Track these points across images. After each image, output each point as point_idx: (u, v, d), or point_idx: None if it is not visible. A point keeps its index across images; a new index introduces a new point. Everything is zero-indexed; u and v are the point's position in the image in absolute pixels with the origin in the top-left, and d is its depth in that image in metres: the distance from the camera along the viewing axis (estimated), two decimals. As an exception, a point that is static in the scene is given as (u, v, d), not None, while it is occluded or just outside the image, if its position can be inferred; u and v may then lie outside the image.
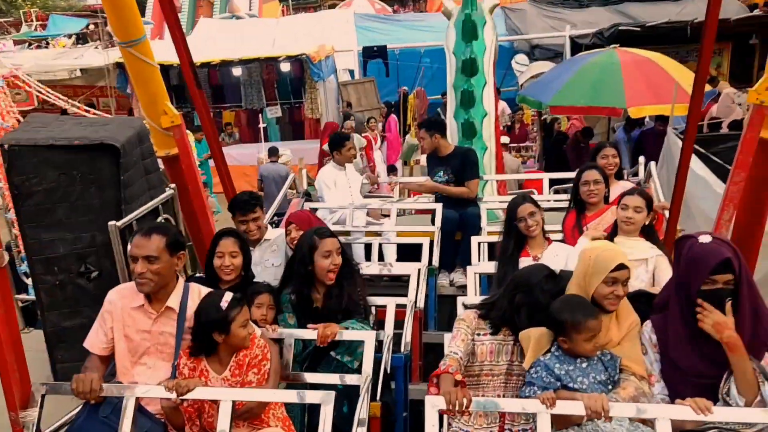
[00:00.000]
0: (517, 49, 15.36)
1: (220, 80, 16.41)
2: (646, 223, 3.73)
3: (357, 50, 15.90)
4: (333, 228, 4.46)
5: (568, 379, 2.62)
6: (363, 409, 2.94)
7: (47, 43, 18.65)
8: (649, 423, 2.47)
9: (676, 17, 12.93)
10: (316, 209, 5.94)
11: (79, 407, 2.78)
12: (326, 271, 3.44)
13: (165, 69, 10.82)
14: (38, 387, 2.66)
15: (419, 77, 15.33)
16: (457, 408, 2.45)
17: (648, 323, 2.76)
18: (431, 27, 15.88)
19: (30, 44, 19.08)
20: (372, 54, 15.50)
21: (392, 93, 15.25)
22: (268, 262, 4.25)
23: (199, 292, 3.03)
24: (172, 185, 4.45)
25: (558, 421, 2.47)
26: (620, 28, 12.79)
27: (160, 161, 4.59)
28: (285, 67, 14.97)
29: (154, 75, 3.98)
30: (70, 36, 19.28)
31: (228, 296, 2.84)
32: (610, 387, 2.62)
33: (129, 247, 3.01)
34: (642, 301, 3.00)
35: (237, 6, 20.46)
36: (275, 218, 6.27)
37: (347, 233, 5.51)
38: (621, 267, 2.72)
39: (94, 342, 2.99)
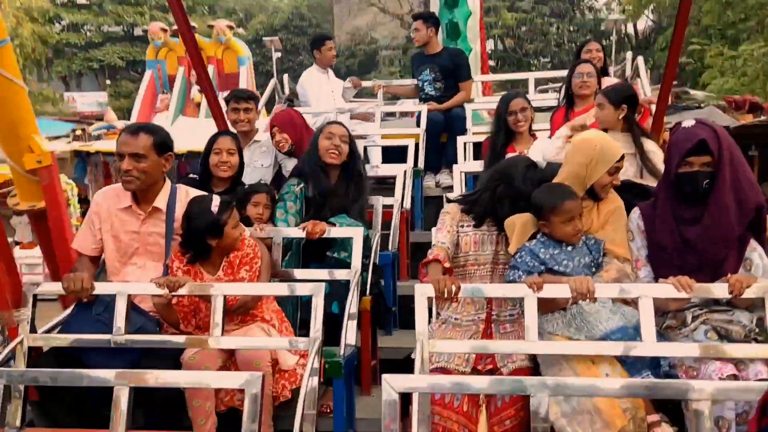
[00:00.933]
0: None
1: (190, 172, 15.41)
2: (620, 117, 3.65)
3: None
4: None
5: (553, 263, 2.66)
6: (353, 303, 3.00)
7: None
8: (633, 304, 2.54)
9: None
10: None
11: (71, 308, 2.82)
12: (326, 150, 3.61)
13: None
14: (29, 287, 2.66)
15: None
16: (445, 295, 2.50)
17: (636, 210, 2.79)
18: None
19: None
20: None
21: None
22: (257, 163, 4.25)
23: (186, 193, 3.00)
24: (22, 238, 3.64)
25: (544, 304, 2.53)
26: None
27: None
28: None
29: (16, 96, 3.06)
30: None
31: (217, 200, 2.83)
32: (594, 270, 2.67)
33: (116, 145, 2.92)
34: (629, 191, 3.03)
35: None
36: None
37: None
38: (623, 157, 2.82)
39: (83, 243, 2.99)
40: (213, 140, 3.65)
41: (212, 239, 2.79)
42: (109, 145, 9.38)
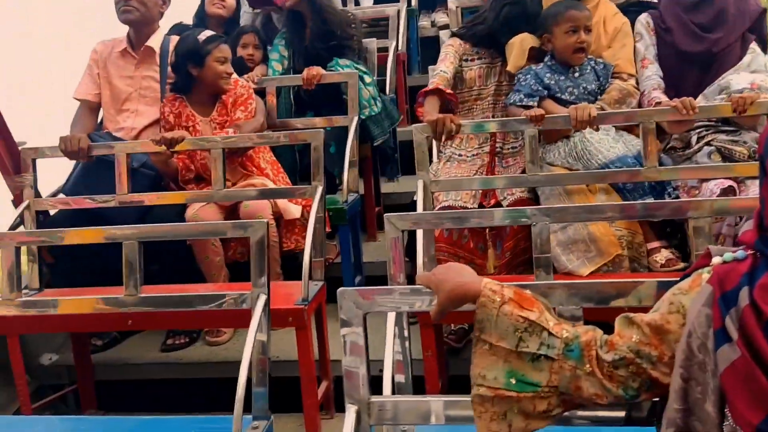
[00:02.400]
0: None
1: None
2: None
3: None
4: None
5: (556, 89, 2.60)
6: (352, 151, 2.97)
7: None
8: (636, 130, 2.51)
9: None
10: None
11: (73, 168, 2.82)
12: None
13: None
14: (27, 152, 2.65)
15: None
16: (444, 136, 2.47)
17: (645, 14, 2.73)
18: None
19: None
20: None
21: None
22: (246, 7, 4.09)
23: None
24: None
25: (546, 134, 2.51)
26: None
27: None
28: None
29: None
30: None
31: (207, 32, 2.83)
32: (600, 97, 2.61)
33: None
34: (632, 11, 2.89)
35: None
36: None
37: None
38: None
39: (83, 90, 3.02)
40: None
41: (194, 68, 2.77)
42: None
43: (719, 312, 0.91)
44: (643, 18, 2.73)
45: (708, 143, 2.46)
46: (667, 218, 2.24)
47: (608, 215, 2.01)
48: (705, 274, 0.99)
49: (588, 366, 1.02)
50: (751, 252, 0.95)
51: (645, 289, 1.18)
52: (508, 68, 2.70)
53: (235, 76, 2.94)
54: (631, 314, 1.03)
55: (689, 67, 2.63)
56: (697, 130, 2.50)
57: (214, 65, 2.77)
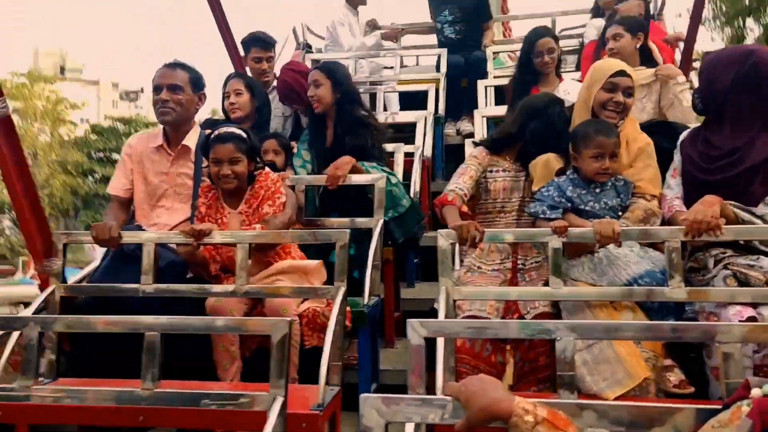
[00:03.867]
0: None
1: None
2: (637, 46, 3.62)
3: None
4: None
5: (579, 202, 2.63)
6: (376, 253, 2.99)
7: None
8: (659, 245, 2.52)
9: None
10: (317, 60, 5.77)
11: (101, 256, 2.86)
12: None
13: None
14: (59, 236, 2.70)
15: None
16: (469, 241, 2.48)
17: (692, 128, 2.79)
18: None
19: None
20: None
21: None
22: (277, 111, 4.23)
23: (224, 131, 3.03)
24: None
25: (570, 249, 2.51)
26: None
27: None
28: None
29: None
30: None
31: (225, 128, 2.87)
32: (620, 213, 2.64)
33: (153, 80, 3.02)
34: (654, 131, 2.97)
35: None
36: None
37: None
38: (621, 73, 2.75)
39: (116, 185, 3.10)
40: (225, 82, 3.74)
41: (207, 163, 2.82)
42: None
43: None
44: (684, 132, 2.79)
45: (725, 266, 2.43)
46: (695, 341, 2.20)
47: (637, 334, 1.97)
48: (744, 407, 0.96)
49: None
50: None
51: (682, 418, 1.15)
52: (533, 187, 2.75)
53: (267, 168, 3.00)
54: None
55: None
56: (714, 253, 2.48)
57: (210, 165, 2.83)
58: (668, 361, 2.34)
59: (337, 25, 5.97)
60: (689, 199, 2.57)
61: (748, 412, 0.94)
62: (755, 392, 0.97)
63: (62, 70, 27.10)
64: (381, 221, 3.15)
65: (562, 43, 5.98)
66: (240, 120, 3.60)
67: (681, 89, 3.49)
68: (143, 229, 2.84)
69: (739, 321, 2.16)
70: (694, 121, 3.30)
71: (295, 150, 3.65)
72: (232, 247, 2.72)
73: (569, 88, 3.84)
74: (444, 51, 5.51)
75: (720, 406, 1.03)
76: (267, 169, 3.01)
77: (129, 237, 2.69)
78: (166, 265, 2.68)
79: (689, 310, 2.44)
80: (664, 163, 2.78)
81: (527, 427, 1.04)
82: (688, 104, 3.41)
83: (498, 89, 5.05)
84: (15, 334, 2.34)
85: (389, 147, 3.93)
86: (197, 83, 3.03)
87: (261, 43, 4.31)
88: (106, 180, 27.28)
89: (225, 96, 3.66)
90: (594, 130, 2.62)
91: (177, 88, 2.95)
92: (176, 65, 3.01)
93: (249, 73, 4.28)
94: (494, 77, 5.32)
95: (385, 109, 5.30)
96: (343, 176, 3.27)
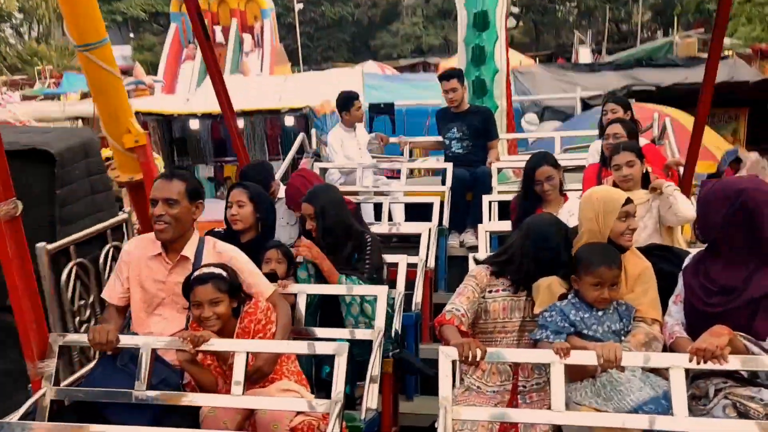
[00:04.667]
0: (527, 111, 14.95)
1: (222, 134, 16.11)
2: (643, 171, 3.75)
3: (364, 106, 15.56)
4: (343, 189, 4.47)
5: (582, 326, 2.62)
6: (375, 366, 2.95)
7: (58, 100, 18.26)
8: (662, 371, 2.48)
9: (687, 81, 12.24)
10: (325, 169, 5.93)
11: (96, 360, 2.83)
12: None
13: (168, 120, 10.65)
14: (55, 338, 2.68)
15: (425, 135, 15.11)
16: (470, 360, 2.45)
17: (695, 253, 2.80)
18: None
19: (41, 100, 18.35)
20: (379, 110, 15.08)
21: (397, 151, 15.00)
22: (283, 221, 4.29)
23: (214, 244, 3.05)
24: (127, 209, 4.01)
25: (572, 372, 2.48)
26: (634, 89, 12.03)
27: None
28: (289, 120, 14.58)
29: (116, 86, 3.53)
30: (85, 95, 18.89)
31: (205, 269, 2.79)
32: (623, 338, 2.63)
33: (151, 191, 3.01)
34: (655, 254, 3.00)
35: (248, 68, 20.11)
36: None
37: (356, 193, 5.50)
38: (629, 201, 2.85)
39: (111, 292, 3.03)
40: (227, 193, 3.74)
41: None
42: (142, 104, 9.69)
43: None
44: (688, 257, 2.80)
45: (726, 396, 2.41)
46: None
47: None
48: None
49: None
50: None
51: None
52: (535, 311, 2.75)
53: (266, 288, 3.01)
54: None
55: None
56: (716, 382, 2.46)
57: (192, 308, 2.77)
58: None
59: (330, 150, 6.19)
60: (692, 328, 2.57)
61: None
62: None
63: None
64: (381, 333, 3.12)
65: (569, 158, 6.21)
66: (241, 231, 3.62)
67: (672, 190, 3.61)
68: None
69: None
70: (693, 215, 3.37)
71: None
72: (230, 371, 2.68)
73: (573, 209, 3.90)
74: (450, 165, 5.65)
75: None
76: (265, 292, 3.00)
77: (126, 341, 2.66)
78: (158, 382, 2.63)
79: None
80: (664, 287, 2.79)
81: None
82: (683, 199, 3.57)
83: (502, 204, 5.13)
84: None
85: (392, 258, 3.94)
86: (194, 193, 2.98)
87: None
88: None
89: (227, 206, 3.65)
90: (597, 260, 2.64)
91: (172, 201, 2.89)
92: (173, 176, 2.98)
93: None
94: (498, 192, 5.42)
95: (390, 219, 5.38)
96: (308, 246, 3.42)
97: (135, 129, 3.63)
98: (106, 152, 5.03)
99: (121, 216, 3.84)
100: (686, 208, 3.55)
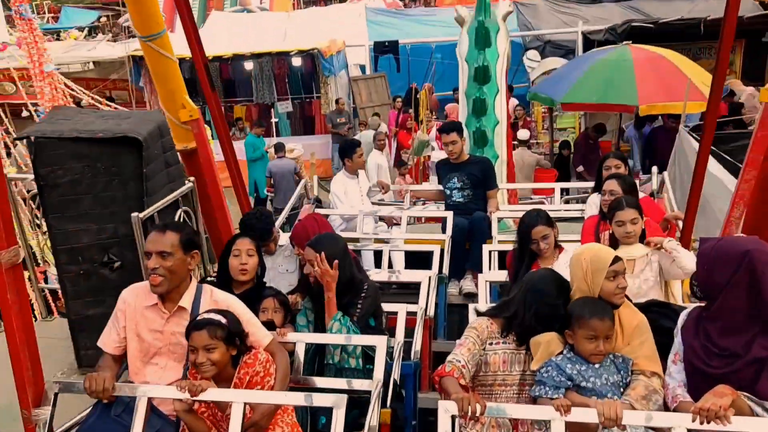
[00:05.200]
0: (529, 46, 15.23)
1: (231, 75, 16.30)
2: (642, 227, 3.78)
3: (368, 45, 15.82)
4: (344, 235, 4.48)
5: (580, 379, 2.61)
6: (374, 416, 2.91)
7: (58, 36, 18.56)
8: (666, 429, 2.45)
9: (689, 14, 12.59)
10: (327, 216, 5.95)
11: (91, 407, 2.79)
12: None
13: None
14: (51, 385, 2.66)
15: (430, 73, 15.25)
16: (470, 414, 2.43)
17: (691, 310, 2.77)
18: (442, 22, 15.73)
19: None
20: (383, 49, 15.48)
21: (403, 89, 15.19)
22: (282, 268, 4.28)
23: (211, 293, 3.03)
24: (191, 178, 4.52)
25: (572, 428, 2.45)
26: (633, 24, 12.52)
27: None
28: (296, 61, 14.96)
29: (174, 69, 4.16)
30: (81, 29, 19.21)
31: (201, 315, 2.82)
32: (622, 390, 2.62)
33: (145, 244, 3.02)
34: (654, 311, 3.00)
35: (248, 0, 20.43)
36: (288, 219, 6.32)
37: (356, 240, 5.51)
38: (617, 259, 2.86)
39: (107, 341, 3.00)
40: (231, 242, 3.67)
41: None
42: None
43: None
44: (684, 314, 2.77)
45: None
46: None
47: None
48: None
49: None
50: None
51: None
52: (532, 367, 2.75)
53: (264, 337, 3.00)
54: None
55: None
56: None
57: (189, 353, 2.78)
58: None
59: (333, 197, 6.22)
60: (694, 387, 2.54)
61: None
62: None
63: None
64: (380, 385, 3.10)
65: (567, 209, 6.24)
66: (245, 282, 3.59)
67: (675, 245, 3.61)
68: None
69: None
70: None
71: (299, 307, 3.66)
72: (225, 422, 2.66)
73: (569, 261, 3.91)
74: (450, 214, 5.69)
75: None
76: (262, 340, 2.98)
77: (123, 389, 2.64)
78: None
79: None
80: (664, 343, 2.78)
81: None
82: (686, 253, 3.56)
83: (501, 254, 5.14)
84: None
85: (391, 307, 3.93)
86: (188, 243, 2.96)
87: (260, 234, 4.14)
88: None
89: (234, 254, 3.60)
90: (588, 313, 2.66)
91: (166, 254, 2.87)
92: (166, 228, 2.97)
93: None
94: (499, 242, 5.43)
95: (390, 267, 5.38)
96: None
97: (190, 105, 4.34)
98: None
99: (188, 185, 4.48)
100: (690, 261, 3.52)
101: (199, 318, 2.77)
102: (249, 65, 15.12)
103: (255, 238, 3.69)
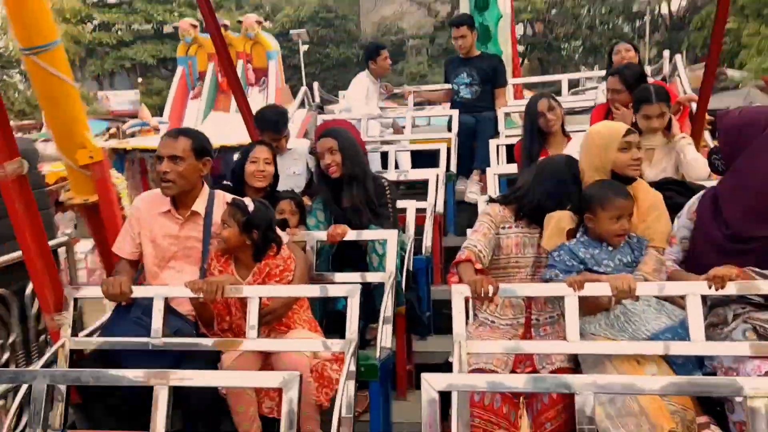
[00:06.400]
0: None
1: (222, 169, 15.51)
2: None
3: None
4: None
5: (592, 263, 2.60)
6: (388, 307, 2.96)
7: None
8: (676, 300, 2.48)
9: None
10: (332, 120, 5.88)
11: (111, 311, 2.85)
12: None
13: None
14: (70, 290, 2.70)
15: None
16: (483, 296, 2.46)
17: (702, 192, 2.73)
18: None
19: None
20: None
21: None
22: (290, 170, 4.28)
23: (224, 197, 3.03)
24: (67, 231, 3.72)
25: (585, 305, 2.47)
26: None
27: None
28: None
29: (69, 93, 3.09)
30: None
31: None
32: (635, 269, 2.60)
33: (157, 149, 2.97)
34: (670, 189, 2.97)
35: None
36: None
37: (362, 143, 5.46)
38: (630, 132, 2.77)
39: (122, 247, 3.03)
40: (249, 149, 3.66)
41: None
42: (144, 141, 9.62)
43: None
44: (694, 198, 2.72)
45: (745, 321, 2.39)
46: (722, 396, 2.13)
47: (660, 390, 1.91)
48: None
49: None
50: None
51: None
52: (543, 245, 2.73)
53: (285, 235, 3.00)
54: None
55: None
56: (734, 308, 2.45)
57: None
58: (703, 418, 2.26)
59: (354, 92, 6.12)
60: (705, 262, 2.54)
61: None
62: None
63: None
64: (393, 275, 3.13)
65: (575, 100, 6.13)
66: (259, 190, 3.59)
67: (684, 143, 3.53)
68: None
69: (758, 376, 2.11)
70: (704, 174, 3.31)
71: (309, 209, 3.68)
72: (239, 307, 2.72)
73: (578, 148, 3.87)
74: (455, 112, 5.62)
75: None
76: (285, 238, 3.00)
77: (140, 291, 2.68)
78: (173, 333, 2.64)
79: (708, 365, 2.38)
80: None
81: None
82: (692, 156, 3.48)
83: (509, 148, 5.10)
84: (24, 387, 2.29)
85: (401, 204, 3.94)
86: (200, 150, 2.92)
87: (273, 126, 4.25)
88: (105, 27, 26.79)
89: (251, 161, 3.57)
90: (613, 193, 2.59)
91: (177, 158, 2.85)
92: (178, 133, 2.93)
93: None
94: (506, 137, 5.38)
95: (396, 167, 5.35)
96: (344, 233, 3.30)
97: (90, 144, 3.19)
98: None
99: (60, 239, 3.47)
100: (698, 168, 3.45)
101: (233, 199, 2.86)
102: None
103: (271, 148, 3.69)
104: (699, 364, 2.35)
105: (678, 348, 2.28)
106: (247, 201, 2.89)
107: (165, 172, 2.85)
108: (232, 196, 3.07)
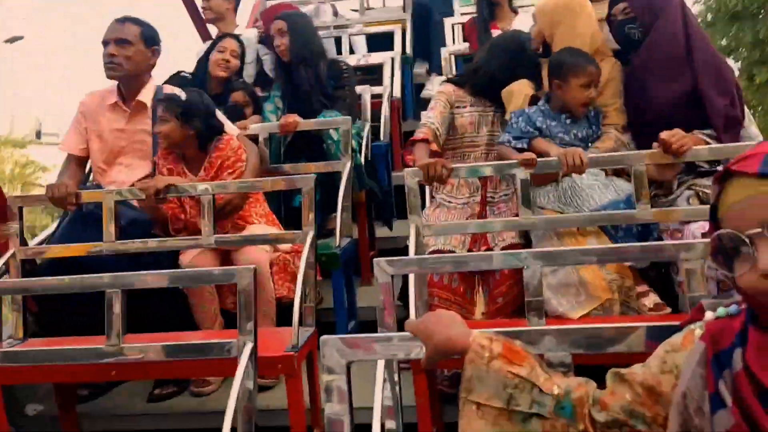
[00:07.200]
0: None
1: None
2: None
3: None
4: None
5: (547, 133, 2.59)
6: (345, 195, 2.96)
7: None
8: (625, 177, 2.49)
9: None
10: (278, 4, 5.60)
11: (60, 218, 2.80)
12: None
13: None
14: (13, 200, 2.63)
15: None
16: (435, 179, 2.45)
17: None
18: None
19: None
20: None
21: None
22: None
23: (172, 90, 2.93)
24: None
25: (535, 178, 2.48)
26: None
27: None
28: None
29: None
30: None
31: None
32: (590, 145, 2.60)
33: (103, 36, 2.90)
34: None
35: None
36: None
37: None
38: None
39: (70, 142, 2.98)
40: (218, 40, 3.69)
41: None
42: None
43: (712, 375, 0.87)
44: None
45: (689, 187, 2.44)
46: (660, 261, 2.19)
47: (602, 258, 1.96)
48: (698, 330, 0.95)
49: (581, 425, 0.97)
50: (745, 306, 0.90)
51: (636, 337, 1.14)
52: (507, 116, 2.70)
53: (230, 130, 2.94)
54: (623, 370, 0.99)
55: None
56: (679, 175, 2.47)
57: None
58: (642, 287, 2.34)
59: None
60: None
61: (701, 336, 0.92)
62: (708, 316, 0.94)
63: (38, 134, 26.33)
64: (349, 164, 3.10)
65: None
66: (222, 78, 3.59)
67: None
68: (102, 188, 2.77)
69: (702, 234, 2.15)
70: None
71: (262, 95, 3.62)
72: (195, 209, 2.68)
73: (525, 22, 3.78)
74: (409, -10, 5.38)
75: (677, 323, 1.02)
76: (231, 130, 2.93)
77: (87, 195, 2.62)
78: (127, 224, 2.61)
79: (656, 234, 2.42)
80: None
81: (482, 363, 1.03)
82: None
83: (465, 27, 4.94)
84: (-23, 299, 2.28)
85: (357, 89, 3.84)
86: (149, 38, 2.88)
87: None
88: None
89: (219, 50, 3.58)
90: (584, 60, 2.54)
91: (125, 42, 2.81)
92: (126, 20, 2.86)
93: None
94: (461, 14, 5.20)
95: (351, 52, 5.18)
96: (295, 123, 3.22)
97: None
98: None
99: None
100: None
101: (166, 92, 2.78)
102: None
103: (241, 43, 3.69)
104: (642, 235, 2.39)
105: (620, 218, 2.33)
106: (178, 91, 2.82)
107: (112, 54, 2.80)
108: (178, 89, 2.97)
